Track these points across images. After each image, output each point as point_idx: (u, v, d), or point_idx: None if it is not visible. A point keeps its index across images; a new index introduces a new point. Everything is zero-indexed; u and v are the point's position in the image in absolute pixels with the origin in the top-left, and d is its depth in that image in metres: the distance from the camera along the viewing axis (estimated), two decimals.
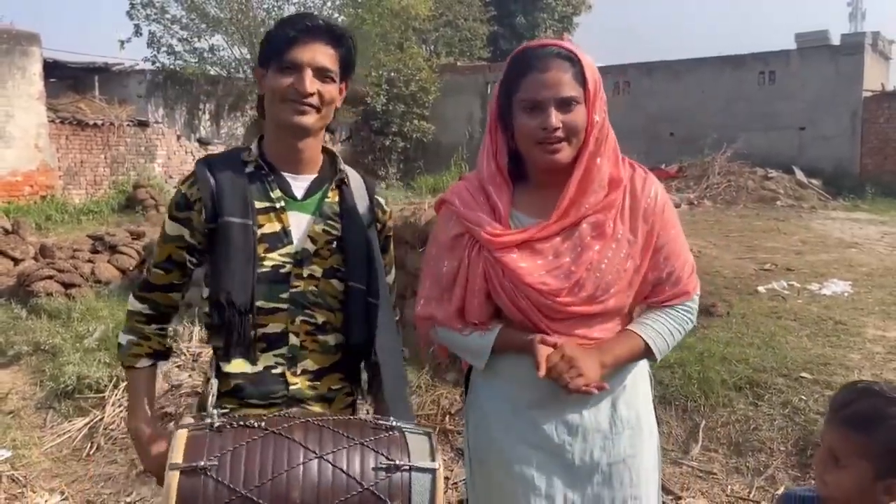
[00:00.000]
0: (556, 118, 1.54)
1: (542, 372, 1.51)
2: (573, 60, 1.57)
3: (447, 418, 4.17)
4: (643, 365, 1.74)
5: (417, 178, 15.34)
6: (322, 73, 1.61)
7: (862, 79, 14.63)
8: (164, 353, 1.73)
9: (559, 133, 1.55)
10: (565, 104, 1.55)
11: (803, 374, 3.80)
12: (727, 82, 15.78)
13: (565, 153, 1.58)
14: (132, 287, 1.77)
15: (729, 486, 3.28)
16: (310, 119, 1.61)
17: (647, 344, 1.63)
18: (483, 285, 1.63)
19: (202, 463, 1.32)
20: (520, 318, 1.62)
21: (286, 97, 1.59)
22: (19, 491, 3.88)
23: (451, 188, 1.77)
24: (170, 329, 1.77)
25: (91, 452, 4.37)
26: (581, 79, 1.57)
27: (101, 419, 4.66)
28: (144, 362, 1.69)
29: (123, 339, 1.70)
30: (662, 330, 1.65)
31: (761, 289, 5.44)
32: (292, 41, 1.59)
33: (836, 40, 15.35)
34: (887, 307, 5.04)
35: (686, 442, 3.57)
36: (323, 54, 1.61)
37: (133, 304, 1.70)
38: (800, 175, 13.47)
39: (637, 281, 1.62)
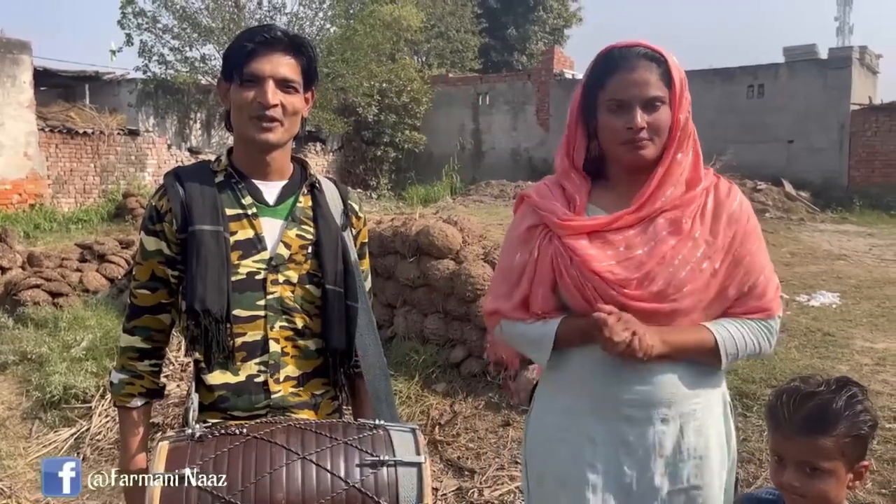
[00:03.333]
0: (641, 118, 1.53)
1: (605, 320, 1.45)
2: (659, 61, 1.57)
3: (437, 429, 4.15)
4: (720, 391, 1.64)
5: (409, 189, 15.40)
6: (284, 84, 1.59)
7: (850, 92, 14.76)
8: (158, 392, 1.69)
9: (644, 133, 1.54)
10: (651, 104, 1.54)
11: None
12: (717, 95, 15.88)
13: (650, 151, 1.56)
14: (120, 319, 1.76)
15: None
16: (275, 135, 1.60)
17: (715, 341, 1.54)
18: (550, 274, 1.60)
19: (184, 471, 1.31)
20: (586, 314, 1.54)
21: (251, 112, 1.58)
22: (4, 502, 3.84)
23: (532, 186, 1.78)
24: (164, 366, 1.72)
25: None
26: (667, 79, 1.56)
27: (88, 429, 4.62)
28: (137, 402, 1.64)
29: (115, 377, 1.66)
30: (735, 334, 1.56)
31: None
32: (252, 53, 1.58)
33: (823, 54, 15.50)
34: (875, 319, 5.06)
35: None
36: (284, 65, 1.60)
37: (124, 338, 1.66)
38: (788, 187, 13.56)
39: (714, 285, 1.55)
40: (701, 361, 1.57)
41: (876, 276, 6.66)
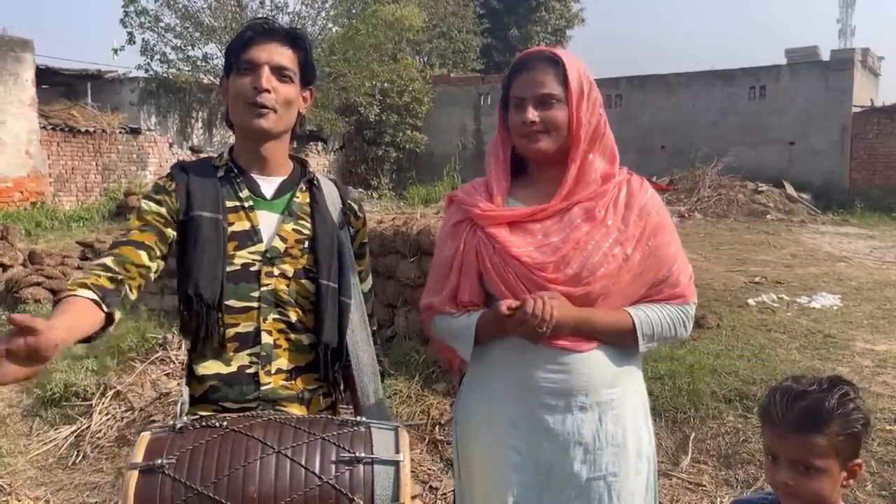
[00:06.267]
0: (532, 113, 1.66)
1: (504, 309, 1.54)
2: (557, 63, 1.68)
3: (437, 428, 4.15)
4: (636, 385, 1.71)
5: (410, 189, 15.35)
6: (279, 72, 1.64)
7: (851, 94, 14.77)
8: (110, 296, 1.43)
9: (537, 126, 1.66)
10: (544, 101, 1.66)
11: None
12: (718, 96, 15.90)
13: (544, 143, 1.67)
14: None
15: (718, 499, 3.28)
16: (268, 122, 1.63)
17: (633, 323, 1.62)
18: (475, 265, 1.68)
19: (160, 461, 1.33)
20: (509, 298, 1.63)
21: (246, 98, 1.62)
22: (4, 500, 3.84)
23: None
24: (130, 296, 1.50)
25: (77, 461, 4.33)
26: (563, 80, 1.66)
27: (88, 427, 4.62)
28: (85, 292, 1.40)
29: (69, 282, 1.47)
30: (653, 316, 1.65)
31: (751, 301, 5.47)
32: (249, 41, 1.64)
33: (825, 56, 15.50)
34: (876, 321, 5.06)
35: (676, 454, 3.57)
36: (280, 54, 1.65)
37: (97, 259, 1.53)
38: (790, 189, 13.56)
39: (626, 271, 1.63)
40: (619, 343, 1.64)
41: (877, 277, 6.66)
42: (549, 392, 1.61)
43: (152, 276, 1.56)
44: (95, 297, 1.40)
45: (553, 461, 1.62)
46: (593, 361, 1.62)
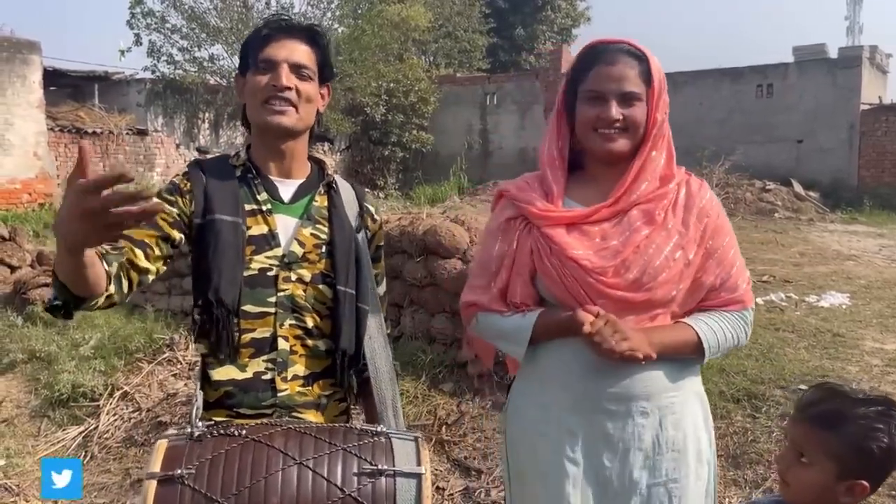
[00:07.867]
0: (616, 110, 1.57)
1: (587, 327, 1.46)
2: (641, 58, 1.59)
3: (444, 429, 4.14)
4: (696, 387, 1.66)
5: (416, 189, 15.40)
6: (298, 70, 1.60)
7: (859, 92, 14.69)
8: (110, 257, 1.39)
9: (618, 125, 1.58)
10: (627, 99, 1.57)
11: (801, 387, 3.79)
12: (726, 95, 15.84)
13: (621, 144, 1.60)
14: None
15: (727, 499, 3.26)
16: (289, 119, 1.59)
17: (698, 337, 1.56)
18: (529, 265, 1.61)
19: (179, 471, 1.29)
20: (565, 303, 1.57)
21: (265, 96, 1.58)
22: (12, 500, 3.85)
23: (510, 182, 1.77)
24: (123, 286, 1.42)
25: (85, 461, 4.34)
26: (647, 77, 1.59)
27: (96, 428, 4.63)
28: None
29: None
30: (716, 327, 1.59)
31: (759, 300, 5.44)
32: (267, 39, 1.60)
33: (833, 54, 15.42)
34: (885, 319, 5.04)
35: None
36: (299, 51, 1.61)
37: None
38: (798, 187, 13.51)
39: (688, 276, 1.57)
40: (683, 357, 1.59)
41: (886, 276, 6.63)
42: (610, 399, 1.56)
43: (150, 277, 1.51)
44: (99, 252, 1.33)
45: (612, 469, 1.57)
46: (656, 366, 1.56)
